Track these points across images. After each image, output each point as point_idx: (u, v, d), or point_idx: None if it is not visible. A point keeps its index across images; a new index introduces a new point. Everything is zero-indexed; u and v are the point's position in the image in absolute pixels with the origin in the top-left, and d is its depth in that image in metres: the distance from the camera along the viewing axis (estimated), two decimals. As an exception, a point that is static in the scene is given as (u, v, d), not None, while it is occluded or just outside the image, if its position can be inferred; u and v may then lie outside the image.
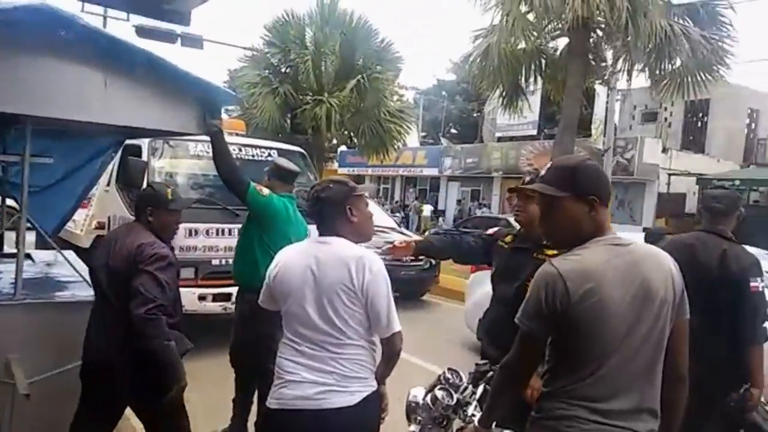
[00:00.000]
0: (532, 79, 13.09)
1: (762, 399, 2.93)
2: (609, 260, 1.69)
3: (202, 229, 5.55)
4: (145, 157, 5.77)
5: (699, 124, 21.84)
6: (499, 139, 24.79)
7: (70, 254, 4.73)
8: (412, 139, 24.48)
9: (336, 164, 28.06)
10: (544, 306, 1.66)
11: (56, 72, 2.92)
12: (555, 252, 2.42)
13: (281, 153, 6.52)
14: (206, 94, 3.48)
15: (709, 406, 2.79)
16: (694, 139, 21.44)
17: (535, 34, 12.17)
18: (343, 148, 25.88)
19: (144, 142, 5.82)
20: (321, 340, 2.22)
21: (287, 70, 17.01)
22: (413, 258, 8.45)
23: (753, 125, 22.07)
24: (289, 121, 17.22)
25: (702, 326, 2.23)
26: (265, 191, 3.81)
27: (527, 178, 2.73)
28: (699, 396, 2.09)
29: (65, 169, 4.50)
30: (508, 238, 2.88)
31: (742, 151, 21.12)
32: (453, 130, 34.18)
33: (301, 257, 2.31)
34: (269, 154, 6.31)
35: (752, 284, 2.88)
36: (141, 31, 15.30)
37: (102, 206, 6.74)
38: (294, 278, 2.27)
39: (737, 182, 16.29)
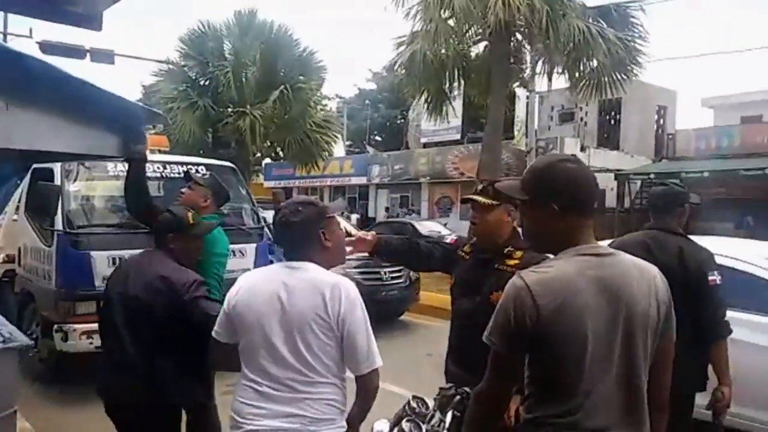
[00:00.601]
0: (456, 84, 13.20)
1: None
2: (582, 272, 1.51)
3: (128, 257, 5.05)
4: (57, 182, 5.26)
5: (612, 122, 22.83)
6: (425, 145, 24.99)
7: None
8: (338, 148, 24.32)
9: (262, 177, 27.47)
10: (512, 322, 1.50)
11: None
12: (517, 261, 2.38)
13: (210, 169, 6.14)
14: (125, 114, 3.13)
15: (676, 406, 2.73)
16: (608, 136, 22.39)
17: (457, 39, 12.28)
18: (267, 160, 25.37)
19: (56, 166, 5.33)
20: (289, 379, 1.95)
21: (206, 83, 16.47)
22: (393, 275, 8.16)
23: (661, 121, 23.30)
24: (210, 135, 16.66)
25: None
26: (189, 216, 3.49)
27: (479, 187, 2.59)
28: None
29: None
30: (467, 248, 2.70)
31: (653, 146, 22.22)
32: (378, 138, 34.26)
33: (267, 283, 2.05)
34: (197, 170, 5.92)
35: (710, 278, 2.82)
36: (46, 47, 14.41)
37: (11, 237, 6.20)
38: (259, 306, 2.00)
39: (652, 176, 17.11)
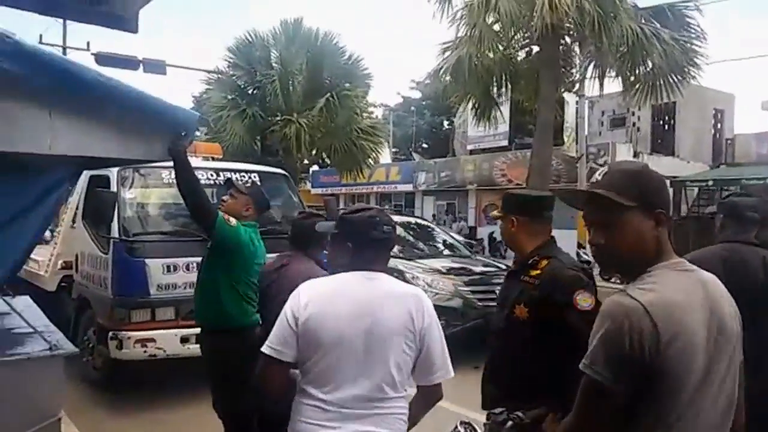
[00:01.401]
0: (503, 89, 13.00)
1: None
2: (689, 291, 1.36)
3: (182, 264, 5.06)
4: (113, 188, 5.29)
5: (666, 127, 22.07)
6: (472, 152, 24.73)
7: (24, 301, 4.30)
8: (385, 155, 24.30)
9: (309, 185, 27.70)
10: (628, 350, 1.28)
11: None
12: (538, 272, 2.27)
13: (263, 176, 6.12)
14: (169, 117, 3.11)
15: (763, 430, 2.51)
16: (662, 142, 21.64)
17: (503, 44, 12.09)
18: (314, 168, 25.59)
19: (112, 173, 5.35)
20: (367, 396, 1.85)
21: (254, 92, 16.73)
22: None
23: (719, 125, 22.40)
24: (259, 143, 16.89)
25: (753, 343, 1.94)
26: (233, 221, 3.44)
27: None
28: (752, 417, 1.78)
29: (14, 209, 4.06)
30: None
31: (711, 151, 21.36)
32: (424, 145, 34.16)
33: (345, 296, 1.89)
34: (250, 178, 5.90)
35: None
36: (101, 59, 14.92)
37: (68, 244, 6.24)
38: (340, 321, 1.84)
39: (710, 183, 16.40)
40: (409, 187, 25.92)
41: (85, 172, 5.46)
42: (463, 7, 11.81)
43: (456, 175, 23.69)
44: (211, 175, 5.61)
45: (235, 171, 5.92)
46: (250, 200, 3.59)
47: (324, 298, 1.89)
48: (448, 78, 12.60)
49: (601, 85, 12.41)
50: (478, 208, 22.94)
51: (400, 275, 6.35)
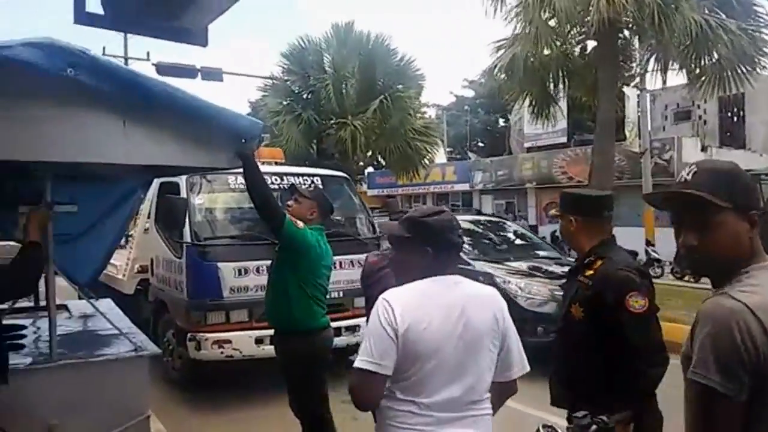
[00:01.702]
0: (560, 86, 12.73)
1: None
2: None
3: (252, 267, 5.24)
4: (183, 194, 5.51)
5: (735, 119, 21.12)
6: (529, 150, 24.36)
7: (107, 304, 4.55)
8: (440, 155, 24.20)
9: (365, 186, 27.89)
10: (742, 352, 1.21)
11: (68, 113, 2.68)
12: (592, 272, 2.30)
13: (324, 179, 6.22)
14: (235, 125, 3.23)
15: None
16: (732, 134, 20.73)
17: (559, 40, 11.85)
18: (370, 169, 25.76)
19: (181, 179, 5.57)
20: (460, 400, 1.85)
21: (308, 96, 16.99)
22: None
23: (792, 115, 21.25)
24: (314, 146, 17.15)
25: None
26: (300, 224, 3.53)
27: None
28: None
29: (94, 216, 4.30)
30: None
31: (785, 143, 20.30)
32: (479, 144, 33.85)
33: (437, 305, 1.86)
34: (312, 182, 6.02)
35: None
36: (161, 69, 15.50)
37: (142, 249, 6.54)
38: (436, 330, 1.82)
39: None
40: (465, 187, 25.75)
41: (155, 179, 5.73)
42: (517, 4, 11.64)
43: (513, 173, 23.38)
44: (275, 180, 5.73)
45: (298, 175, 6.08)
46: (314, 204, 3.67)
47: (417, 308, 1.84)
48: (503, 76, 12.43)
49: (664, 78, 11.95)
50: (538, 207, 22.57)
51: (487, 279, 6.14)
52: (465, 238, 7.42)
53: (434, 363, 1.81)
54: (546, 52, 11.62)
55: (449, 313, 1.85)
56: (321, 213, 3.72)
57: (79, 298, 5.14)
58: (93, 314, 4.52)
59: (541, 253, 8.19)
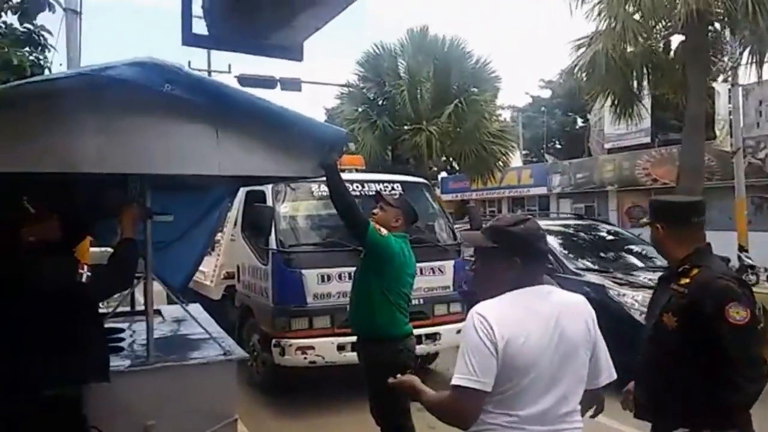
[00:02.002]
0: (644, 83, 12.21)
1: None
2: None
3: (335, 274, 5.31)
4: (269, 203, 5.63)
5: (841, 113, 19.48)
6: (610, 151, 23.49)
7: (196, 309, 4.71)
8: (515, 158, 23.79)
9: (438, 191, 27.79)
10: None
11: (166, 127, 2.82)
12: (688, 280, 2.24)
13: (405, 186, 6.20)
14: (320, 135, 3.28)
15: None
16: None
17: (644, 35, 11.37)
18: (443, 174, 25.65)
19: (267, 188, 5.70)
20: (554, 413, 1.81)
21: (383, 103, 17.11)
22: None
23: None
24: (389, 152, 17.25)
25: None
26: (384, 231, 3.54)
27: None
28: None
29: (186, 224, 4.49)
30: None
31: None
32: (557, 146, 33.00)
33: (533, 317, 1.82)
34: (392, 188, 6.02)
35: None
36: (242, 80, 16.06)
37: (230, 256, 6.74)
38: (534, 345, 1.78)
39: None
40: (542, 190, 25.16)
41: (241, 188, 5.91)
42: (599, 1, 11.28)
43: (594, 175, 22.61)
44: (356, 187, 5.77)
45: (378, 182, 6.10)
46: (399, 212, 3.67)
47: (513, 321, 1.79)
48: (583, 75, 12.07)
49: (759, 72, 11.24)
50: (619, 210, 21.69)
51: (599, 291, 5.87)
52: (569, 246, 7.18)
53: (531, 377, 1.77)
54: (630, 48, 11.19)
55: (545, 324, 1.81)
56: (406, 221, 3.72)
57: (168, 302, 5.37)
58: (184, 318, 4.71)
59: (651, 261, 7.21)
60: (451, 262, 5.88)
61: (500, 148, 16.49)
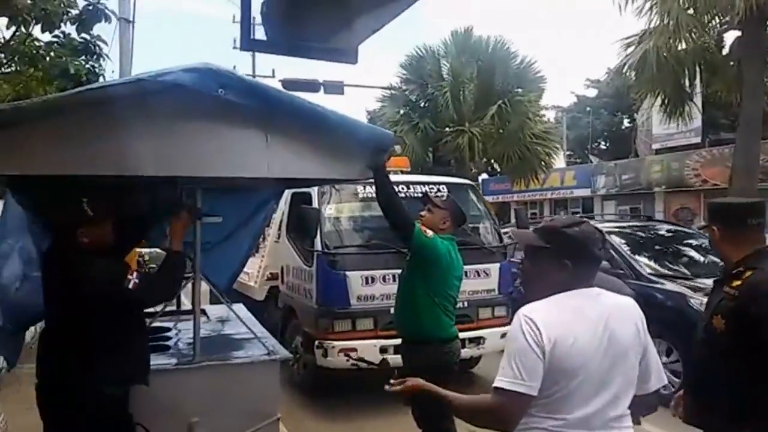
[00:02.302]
0: (697, 81, 11.83)
1: None
2: None
3: (379, 276, 5.26)
4: (315, 204, 5.63)
5: None
6: (658, 151, 22.87)
7: (240, 309, 4.76)
8: (559, 159, 23.39)
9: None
10: None
11: (220, 130, 2.86)
12: (740, 282, 2.20)
13: (451, 187, 6.12)
14: (367, 138, 3.26)
15: None
16: None
17: (697, 31, 11.01)
18: (484, 176, 25.41)
19: (313, 190, 5.70)
20: (602, 418, 1.75)
21: (426, 104, 17.07)
22: None
23: None
24: (431, 154, 17.18)
25: None
26: (429, 233, 3.49)
27: None
28: None
29: (232, 224, 4.53)
30: None
31: None
32: (601, 147, 32.32)
33: (582, 320, 1.77)
34: (438, 190, 5.96)
35: None
36: (286, 84, 16.25)
37: (274, 257, 6.76)
38: (583, 348, 1.73)
39: None
40: (586, 192, 24.68)
41: (287, 190, 5.94)
42: (652, -5, 10.99)
43: (640, 177, 22.07)
44: (402, 188, 5.69)
45: (424, 183, 6.02)
46: (447, 214, 3.63)
47: (561, 324, 1.74)
48: (632, 74, 11.78)
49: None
50: (666, 212, 21.09)
51: (680, 300, 5.55)
52: (638, 249, 6.72)
53: (579, 380, 1.72)
54: (682, 45, 10.86)
55: (594, 327, 1.75)
56: (453, 222, 3.67)
57: (211, 302, 5.44)
58: (228, 318, 4.76)
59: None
60: (497, 265, 5.77)
61: (544, 149, 16.25)
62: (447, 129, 16.14)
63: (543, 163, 16.58)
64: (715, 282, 2.49)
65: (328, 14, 1.74)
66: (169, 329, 4.25)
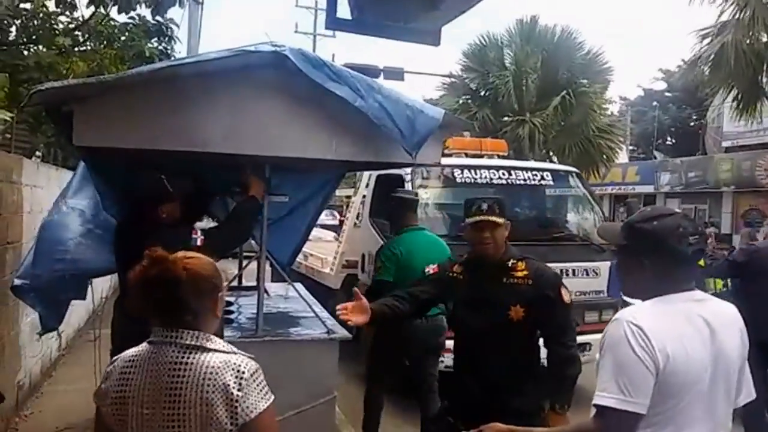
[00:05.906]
0: (775, 77, 11.26)
1: None
2: None
3: None
4: (408, 188, 5.15)
5: None
6: (728, 149, 21.85)
7: (300, 288, 4.84)
8: (621, 154, 22.68)
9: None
10: None
11: (293, 111, 2.92)
12: (526, 272, 2.54)
13: (554, 174, 5.82)
14: (434, 121, 3.23)
15: None
16: None
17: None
18: (543, 168, 24.89)
19: (406, 172, 5.32)
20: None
21: (486, 94, 16.80)
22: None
23: None
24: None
25: None
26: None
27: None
28: None
29: (293, 203, 4.61)
30: (457, 268, 2.74)
31: None
32: (667, 142, 31.13)
33: (690, 330, 1.58)
34: (542, 177, 5.64)
35: None
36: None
37: (352, 243, 6.30)
38: (696, 362, 1.56)
39: None
40: (649, 189, 23.85)
41: (371, 173, 5.82)
42: (729, -13, 10.51)
43: (708, 175, 21.13)
44: (502, 174, 5.43)
45: (526, 169, 5.72)
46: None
47: (672, 334, 1.55)
48: (706, 68, 11.30)
49: None
50: (734, 213, 20.16)
51: None
52: None
53: (689, 398, 1.55)
54: (764, 38, 10.34)
55: (701, 338, 1.58)
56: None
57: (272, 281, 5.50)
58: (288, 296, 4.87)
59: None
60: (607, 264, 5.26)
61: (607, 143, 15.79)
62: (506, 119, 15.88)
63: (605, 157, 16.11)
64: (480, 276, 2.60)
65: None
66: (231, 303, 4.39)
